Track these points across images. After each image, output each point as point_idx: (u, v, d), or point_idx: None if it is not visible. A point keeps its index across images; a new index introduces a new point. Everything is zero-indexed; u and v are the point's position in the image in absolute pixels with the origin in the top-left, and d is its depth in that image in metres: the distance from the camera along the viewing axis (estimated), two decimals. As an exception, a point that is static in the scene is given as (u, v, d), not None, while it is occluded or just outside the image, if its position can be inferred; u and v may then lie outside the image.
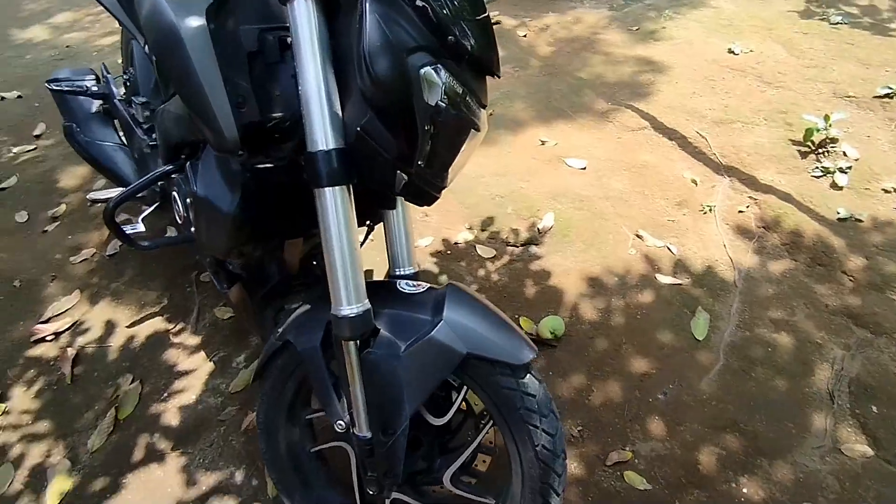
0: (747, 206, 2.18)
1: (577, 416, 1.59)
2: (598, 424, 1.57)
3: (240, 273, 1.41)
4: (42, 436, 1.68)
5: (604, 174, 2.38)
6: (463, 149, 0.97)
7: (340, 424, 1.05)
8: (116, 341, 1.94)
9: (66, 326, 2.00)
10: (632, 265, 2.00)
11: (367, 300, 0.97)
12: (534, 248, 2.10)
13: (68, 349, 1.91)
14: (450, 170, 0.98)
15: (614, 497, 1.41)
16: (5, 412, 1.76)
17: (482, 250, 2.11)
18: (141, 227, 1.57)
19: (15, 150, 3.11)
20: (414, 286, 1.08)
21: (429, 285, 1.09)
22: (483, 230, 2.19)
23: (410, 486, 1.22)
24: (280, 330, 1.14)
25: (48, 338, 1.97)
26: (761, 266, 1.97)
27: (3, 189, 2.74)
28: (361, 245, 1.37)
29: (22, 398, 1.79)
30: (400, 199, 1.15)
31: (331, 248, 0.92)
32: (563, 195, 2.29)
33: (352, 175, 0.91)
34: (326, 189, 0.89)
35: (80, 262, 2.30)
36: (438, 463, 1.18)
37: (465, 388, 1.10)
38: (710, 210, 2.17)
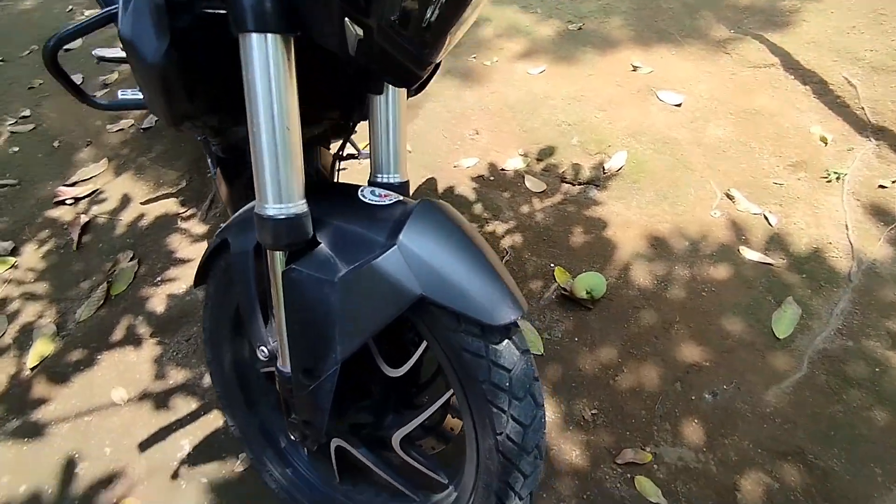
0: (893, 182, 1.65)
1: (595, 397, 1.29)
2: (618, 412, 1.27)
3: (221, 156, 1.20)
4: (38, 297, 1.65)
5: (702, 115, 1.91)
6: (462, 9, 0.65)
7: (263, 351, 0.84)
8: (127, 216, 1.86)
9: (87, 193, 1.95)
10: (712, 230, 1.59)
11: (305, 202, 0.72)
12: (594, 191, 1.73)
13: (81, 216, 1.85)
14: (441, 38, 0.67)
15: (614, 503, 1.14)
16: (14, 266, 1.74)
17: (532, 183, 1.77)
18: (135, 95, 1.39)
19: (87, 12, 3.08)
20: (379, 196, 0.80)
21: (400, 198, 0.81)
22: (539, 160, 1.84)
23: (356, 438, 1.01)
24: (223, 225, 0.92)
25: (68, 201, 1.93)
26: (892, 261, 1.49)
27: (68, 50, 2.71)
28: (342, 156, 1.11)
29: (31, 256, 1.77)
30: (391, 88, 0.86)
31: (257, 123, 0.66)
32: (645, 133, 1.87)
33: (291, 22, 0.63)
34: (253, 36, 0.62)
35: (116, 131, 2.23)
36: (389, 421, 0.96)
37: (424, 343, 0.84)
38: (839, 178, 1.67)
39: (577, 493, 1.16)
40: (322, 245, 0.76)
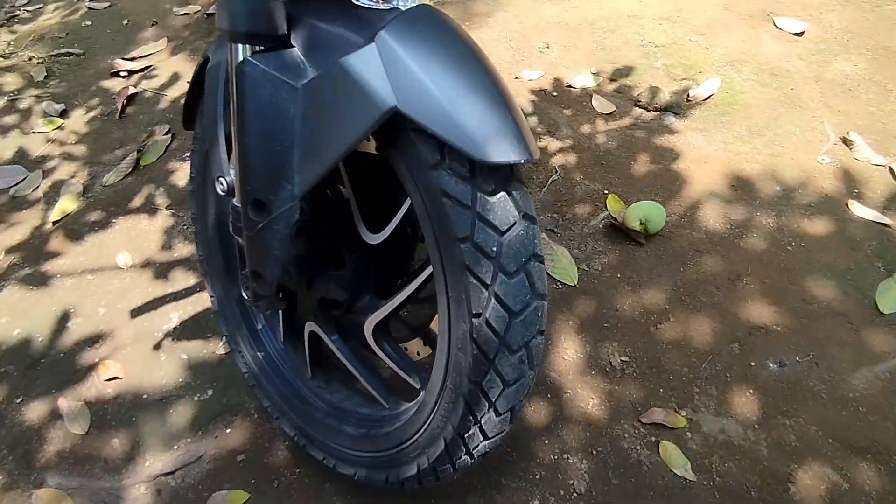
0: None
1: (629, 343, 1.08)
2: (653, 365, 1.05)
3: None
4: (75, 157, 1.63)
5: (828, 48, 1.56)
6: None
7: (221, 183, 0.70)
8: (172, 93, 1.80)
9: (140, 67, 1.91)
10: (815, 178, 1.29)
11: None
12: (671, 118, 1.46)
13: (130, 87, 1.82)
14: None
15: (630, 468, 0.94)
16: (60, 127, 1.74)
17: (599, 103, 1.53)
18: None
19: None
20: (376, 1, 0.62)
21: (401, 5, 0.63)
22: (612, 80, 1.59)
23: (330, 324, 0.87)
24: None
25: (122, 73, 1.90)
26: None
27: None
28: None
29: (78, 120, 1.76)
30: None
31: None
32: (749, 62, 1.55)
33: None
34: None
35: (182, 14, 2.18)
36: (364, 302, 0.81)
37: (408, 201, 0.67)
38: None
39: (585, 446, 0.97)
40: (295, 49, 0.60)
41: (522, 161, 0.54)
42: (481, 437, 0.66)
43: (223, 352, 1.15)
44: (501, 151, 0.53)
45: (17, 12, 2.30)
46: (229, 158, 0.70)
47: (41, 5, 2.33)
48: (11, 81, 1.92)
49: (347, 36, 0.56)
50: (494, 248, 0.55)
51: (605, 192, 1.33)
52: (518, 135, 0.54)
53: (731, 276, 1.15)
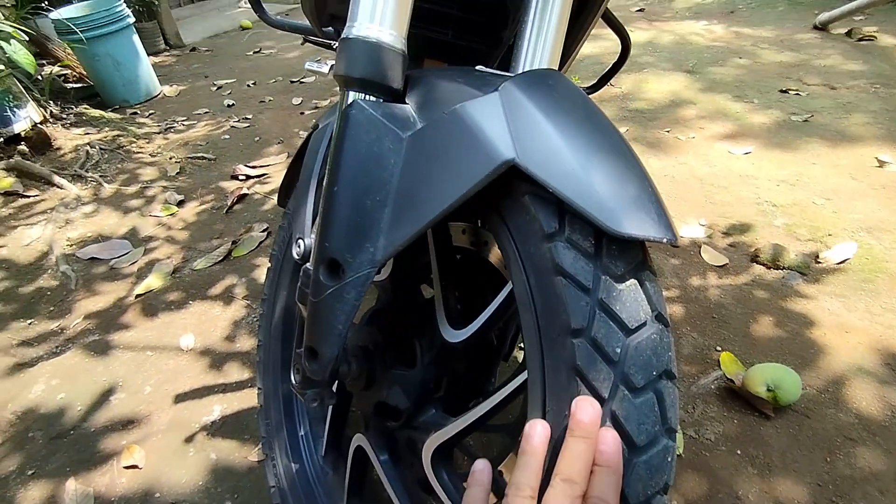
0: None
1: (758, 548, 0.81)
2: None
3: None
4: (176, 241, 1.71)
5: None
6: None
7: (300, 245, 0.63)
8: (278, 198, 1.91)
9: (257, 174, 2.08)
10: None
11: (404, 39, 0.54)
12: (798, 280, 1.28)
13: (244, 189, 1.95)
14: None
15: None
16: (173, 214, 1.87)
17: (710, 255, 1.39)
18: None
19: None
20: (499, 72, 0.58)
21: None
22: (725, 235, 1.46)
23: (381, 438, 0.72)
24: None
25: (240, 177, 2.07)
26: None
27: (302, 82, 3.15)
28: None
29: (190, 210, 1.89)
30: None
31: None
32: (889, 231, 1.38)
33: None
34: None
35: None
36: (427, 415, 0.65)
37: (509, 286, 0.56)
38: None
39: None
40: (408, 105, 0.56)
41: (664, 240, 0.42)
42: None
43: (255, 459, 1.01)
44: (637, 224, 0.41)
45: (175, 125, 2.67)
46: (314, 222, 0.64)
47: (196, 122, 2.71)
48: (149, 173, 2.15)
49: (467, 90, 0.51)
50: (618, 351, 0.41)
51: (718, 348, 1.13)
52: (657, 210, 0.43)
53: (900, 480, 0.87)
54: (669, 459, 0.43)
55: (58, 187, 2.02)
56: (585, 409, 0.40)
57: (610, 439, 0.40)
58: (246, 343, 1.29)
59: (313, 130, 0.75)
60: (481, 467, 0.45)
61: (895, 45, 2.53)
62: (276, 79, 3.28)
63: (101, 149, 2.29)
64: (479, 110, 0.47)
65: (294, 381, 0.62)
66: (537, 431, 0.42)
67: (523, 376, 0.53)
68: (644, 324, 0.43)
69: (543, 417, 0.45)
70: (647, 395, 0.42)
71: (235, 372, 1.21)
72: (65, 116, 2.60)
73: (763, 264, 1.34)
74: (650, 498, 0.42)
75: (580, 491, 0.39)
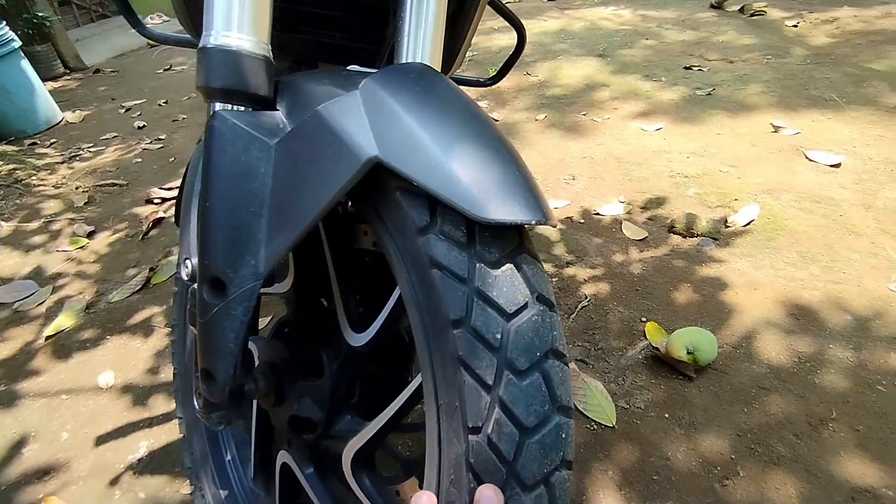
0: None
1: (688, 505, 0.84)
2: (725, 537, 0.80)
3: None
4: (87, 275, 1.61)
5: (874, 177, 1.48)
6: None
7: (187, 266, 0.60)
8: (198, 218, 1.83)
9: (173, 196, 1.98)
10: (891, 306, 1.11)
11: (268, 45, 0.52)
12: (711, 245, 1.35)
13: (160, 212, 1.86)
14: None
15: None
16: (82, 247, 1.75)
17: (631, 230, 1.44)
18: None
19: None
20: (367, 70, 0.57)
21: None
22: (644, 209, 1.52)
23: (304, 451, 0.70)
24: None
25: (156, 200, 1.97)
26: None
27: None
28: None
29: (102, 241, 1.78)
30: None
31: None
32: (787, 191, 1.48)
33: None
34: None
35: (224, 153, 2.33)
36: (342, 423, 0.64)
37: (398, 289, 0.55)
38: None
39: None
40: (278, 112, 0.54)
41: (533, 222, 0.42)
42: None
43: (188, 492, 0.96)
44: (505, 209, 0.42)
45: (81, 152, 2.51)
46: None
47: (104, 147, 2.55)
48: (52, 207, 2.01)
49: (332, 90, 0.49)
50: (498, 336, 0.41)
51: (643, 319, 1.17)
52: (527, 192, 0.44)
53: (811, 421, 0.93)
54: (564, 436, 0.44)
55: (-51, 231, 1.85)
56: (489, 498, 0.40)
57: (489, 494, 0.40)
58: (170, 373, 1.22)
59: (197, 143, 0.71)
60: (426, 500, 0.43)
61: (783, 18, 2.71)
62: (189, 96, 3.15)
63: (-4, 185, 2.12)
64: (340, 110, 0.46)
65: (197, 406, 0.59)
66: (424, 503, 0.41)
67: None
68: (524, 306, 0.43)
69: (437, 414, 0.44)
70: (532, 377, 0.42)
71: (161, 404, 1.15)
72: (-48, 153, 2.39)
73: (679, 234, 1.40)
74: (548, 476, 0.43)
75: None
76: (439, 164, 0.43)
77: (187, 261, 0.61)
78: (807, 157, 1.59)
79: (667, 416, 0.97)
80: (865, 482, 0.83)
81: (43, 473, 1.03)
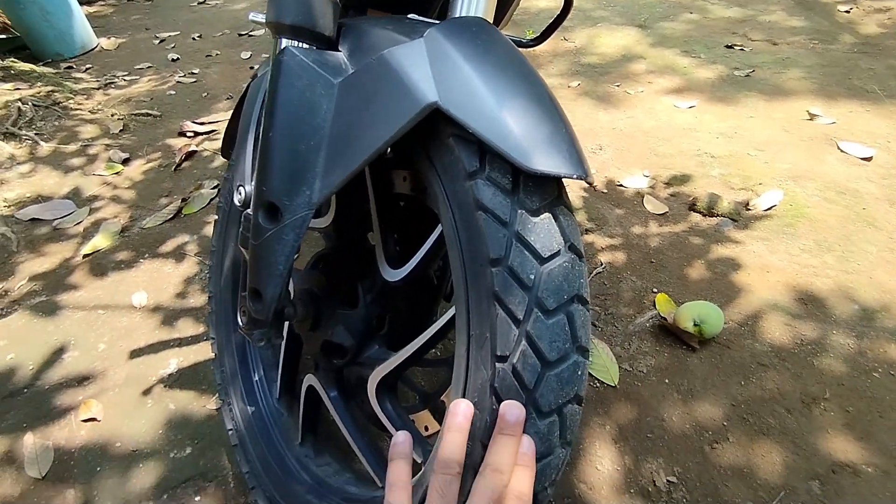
0: None
1: (678, 462, 0.90)
2: (709, 492, 0.86)
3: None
4: (123, 200, 1.67)
5: (902, 176, 1.47)
6: None
7: (241, 193, 0.65)
8: (229, 155, 1.87)
9: (206, 130, 2.02)
10: (898, 303, 1.14)
11: None
12: (729, 226, 1.37)
13: (192, 146, 1.90)
14: None
15: None
16: (118, 173, 1.81)
17: (652, 204, 1.46)
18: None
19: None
20: (428, 20, 0.60)
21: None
22: (666, 185, 1.54)
23: (330, 375, 0.76)
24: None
25: (188, 134, 2.01)
26: None
27: (251, 35, 3.02)
28: None
29: (136, 169, 1.83)
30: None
31: None
32: (813, 179, 1.48)
33: None
34: None
35: (255, 94, 2.35)
36: (371, 351, 0.70)
37: (439, 227, 0.59)
38: None
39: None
40: (340, 53, 0.57)
41: (574, 176, 0.46)
42: (490, 533, 0.51)
43: (213, 407, 1.04)
44: (550, 162, 0.45)
45: (116, 80, 2.54)
46: (254, 169, 0.66)
47: (138, 77, 2.58)
48: (90, 131, 2.06)
49: (395, 36, 0.52)
50: (532, 277, 0.46)
51: (654, 290, 1.21)
52: (571, 148, 0.47)
53: (804, 399, 0.97)
54: (580, 374, 0.49)
55: (-10, 146, 1.91)
56: (512, 411, 0.45)
57: (527, 443, 0.45)
58: (199, 299, 1.29)
59: (252, 79, 0.75)
60: (402, 439, 0.48)
61: (836, 3, 2.61)
62: (222, 32, 3.13)
63: (34, 105, 2.17)
64: (405, 56, 0.49)
65: (241, 323, 0.65)
66: (462, 409, 0.46)
67: (453, 310, 0.57)
68: (557, 253, 0.47)
69: (468, 343, 0.49)
70: (558, 317, 0.47)
71: (190, 327, 1.22)
72: (-9, 70, 2.43)
73: (699, 212, 1.42)
74: (562, 406, 0.48)
75: (506, 481, 0.44)
76: (494, 114, 0.46)
77: (241, 188, 0.65)
78: (838, 148, 1.58)
79: (667, 381, 1.03)
80: (848, 458, 0.89)
81: (82, 379, 1.12)
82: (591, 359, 1.06)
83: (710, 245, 1.32)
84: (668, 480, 0.88)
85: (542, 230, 0.47)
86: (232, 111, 0.86)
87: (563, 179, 0.50)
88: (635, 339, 1.11)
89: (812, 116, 1.73)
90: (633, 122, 1.84)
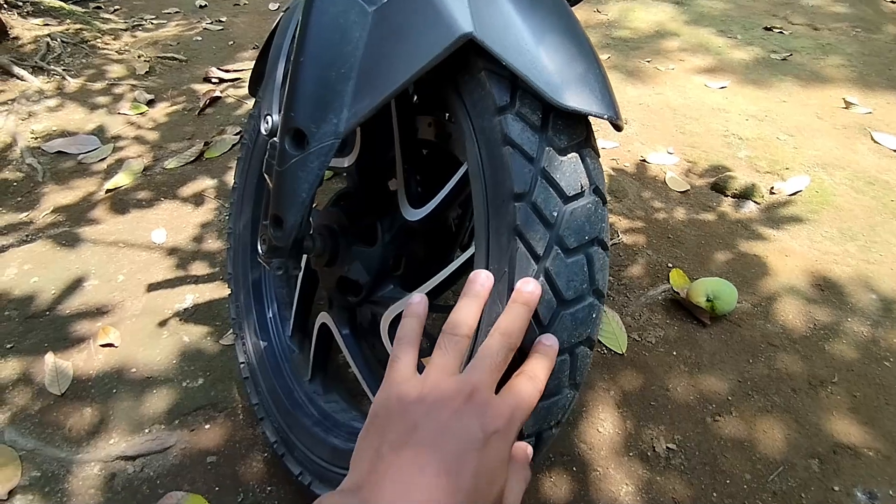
0: None
1: (679, 430, 0.91)
2: (708, 461, 0.87)
3: None
4: (146, 141, 1.69)
5: (935, 171, 1.44)
6: None
7: (268, 122, 0.65)
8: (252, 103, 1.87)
9: (231, 78, 2.02)
10: (916, 295, 1.12)
11: None
12: (751, 207, 1.35)
13: (217, 91, 1.90)
14: None
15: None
16: (143, 114, 1.82)
17: (673, 181, 1.44)
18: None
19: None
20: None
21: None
22: (690, 163, 1.51)
23: (344, 313, 0.77)
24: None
25: (213, 80, 2.01)
26: None
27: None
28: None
29: (161, 110, 1.84)
30: None
31: None
32: (842, 168, 1.45)
33: None
34: None
35: (281, 45, 2.33)
36: (385, 290, 0.71)
37: (464, 166, 0.59)
38: None
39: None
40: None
41: (605, 117, 0.46)
42: (492, 466, 0.52)
43: (227, 342, 1.06)
44: (581, 100, 0.45)
45: (144, 23, 2.54)
46: (283, 98, 0.66)
47: (166, 21, 2.57)
48: (116, 71, 2.06)
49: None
50: (555, 214, 0.46)
51: (670, 265, 1.21)
52: (603, 89, 0.47)
53: (812, 381, 0.97)
54: (594, 316, 0.49)
55: (17, 78, 1.93)
56: (528, 284, 0.45)
57: (552, 338, 0.45)
58: (217, 241, 1.31)
59: (284, 12, 0.74)
60: (418, 300, 0.48)
61: (884, -11, 2.51)
62: (251, -19, 3.09)
63: (63, 41, 2.18)
64: (440, -12, 0.48)
65: (260, 251, 0.66)
66: (482, 278, 0.46)
67: (470, 251, 0.57)
68: (581, 193, 0.47)
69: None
70: (577, 257, 0.47)
71: (207, 266, 1.24)
72: (20, 4, 2.43)
73: (722, 192, 1.40)
74: (574, 346, 0.48)
75: (514, 346, 0.43)
76: (528, 49, 0.45)
77: (268, 116, 0.66)
78: (872, 138, 1.54)
79: (674, 353, 1.03)
80: (850, 440, 0.89)
81: (101, 306, 1.15)
82: (601, 326, 1.06)
83: (729, 225, 1.31)
84: (667, 447, 0.89)
85: (569, 169, 0.47)
86: (260, 49, 0.86)
87: (593, 126, 0.49)
88: (646, 311, 1.11)
89: (848, 105, 1.68)
90: (661, 99, 1.80)
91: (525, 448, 0.45)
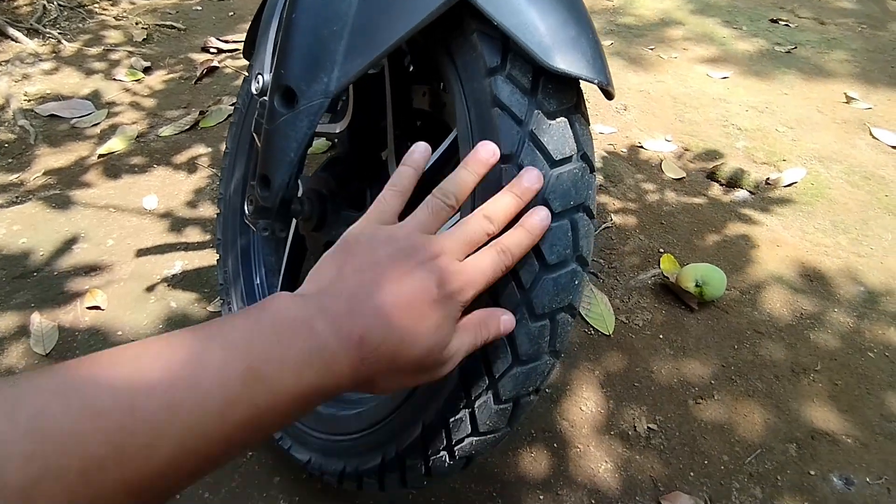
0: None
1: (660, 411, 0.92)
2: (687, 442, 0.88)
3: None
4: (141, 107, 1.67)
5: (932, 169, 1.43)
6: None
7: (259, 81, 0.64)
8: (250, 75, 1.85)
9: (229, 48, 1.99)
10: (904, 290, 1.13)
11: None
12: (746, 198, 1.35)
13: (214, 61, 1.88)
14: None
15: None
16: (139, 80, 1.80)
17: (669, 168, 1.44)
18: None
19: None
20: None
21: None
22: (687, 151, 1.51)
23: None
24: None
25: (211, 50, 1.98)
26: None
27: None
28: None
29: (157, 78, 1.82)
30: None
31: None
32: (839, 162, 1.45)
33: None
34: None
35: (282, 18, 2.30)
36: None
37: (453, 132, 0.59)
38: None
39: (586, 512, 0.80)
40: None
41: (595, 82, 0.45)
42: (469, 429, 0.52)
43: (214, 309, 1.06)
44: (572, 63, 0.44)
45: (142, -10, 2.49)
46: (275, 57, 0.65)
47: (164, -11, 2.53)
48: (113, 37, 2.04)
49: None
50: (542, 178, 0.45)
51: (661, 250, 1.21)
52: (595, 54, 0.46)
53: (794, 368, 0.98)
54: (576, 283, 0.49)
55: (12, 40, 1.90)
56: (531, 174, 0.44)
57: (543, 213, 0.44)
58: (209, 209, 1.30)
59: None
60: (421, 149, 0.46)
61: (893, -13, 2.49)
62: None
63: (59, 5, 2.14)
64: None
65: (247, 212, 0.65)
66: (488, 149, 0.44)
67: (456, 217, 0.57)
68: (569, 158, 0.47)
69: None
70: (562, 222, 0.47)
71: (197, 234, 1.24)
72: (19, -35, 2.39)
73: (718, 181, 1.40)
74: (555, 312, 0.49)
75: (493, 231, 0.43)
76: (521, 10, 0.45)
77: (259, 76, 0.65)
78: (871, 134, 1.54)
79: (661, 336, 1.04)
80: (828, 427, 0.90)
81: (90, 269, 1.15)
82: (589, 307, 1.07)
83: (723, 214, 1.31)
84: (648, 427, 0.90)
85: (557, 134, 0.46)
86: (255, 12, 0.84)
87: (583, 92, 0.49)
88: (635, 294, 1.12)
89: (849, 100, 1.68)
90: (662, 87, 1.79)
91: (501, 314, 0.45)
